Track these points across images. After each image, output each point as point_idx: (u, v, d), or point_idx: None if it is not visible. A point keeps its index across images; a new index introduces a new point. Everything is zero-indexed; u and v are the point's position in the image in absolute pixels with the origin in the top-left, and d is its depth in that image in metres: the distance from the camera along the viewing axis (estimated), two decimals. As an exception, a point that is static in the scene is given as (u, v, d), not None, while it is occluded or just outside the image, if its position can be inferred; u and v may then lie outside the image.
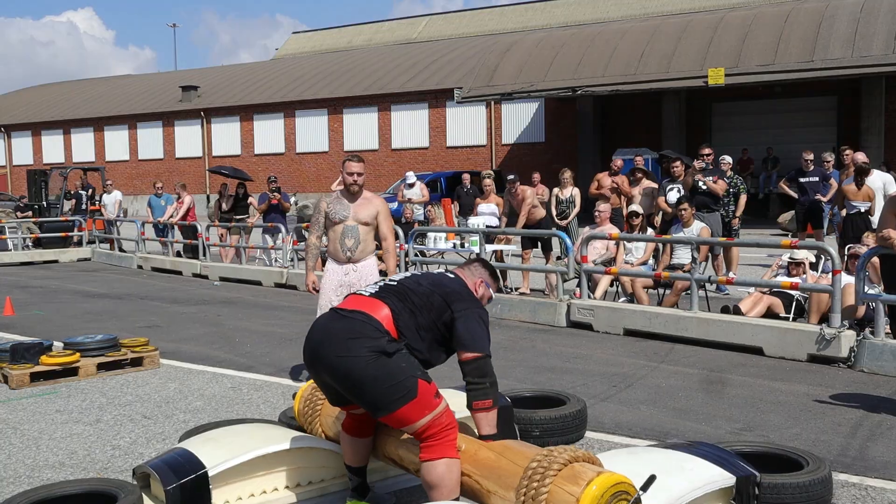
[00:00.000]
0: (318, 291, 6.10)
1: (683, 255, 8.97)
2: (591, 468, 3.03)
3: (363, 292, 3.61)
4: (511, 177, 11.49)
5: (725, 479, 3.48)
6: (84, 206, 20.96)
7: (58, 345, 7.52)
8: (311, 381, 4.27)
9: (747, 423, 5.33)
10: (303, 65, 39.45)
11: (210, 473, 3.67)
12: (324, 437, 4.12)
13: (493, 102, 28.72)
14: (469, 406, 3.44)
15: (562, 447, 3.18)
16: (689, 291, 8.13)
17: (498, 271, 3.96)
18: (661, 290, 9.27)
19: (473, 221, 11.08)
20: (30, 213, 21.67)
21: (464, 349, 3.43)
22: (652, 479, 3.05)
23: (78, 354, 6.93)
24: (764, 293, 8.15)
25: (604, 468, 3.05)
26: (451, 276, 3.74)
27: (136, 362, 7.20)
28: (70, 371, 6.84)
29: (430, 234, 10.81)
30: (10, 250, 18.97)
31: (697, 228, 9.03)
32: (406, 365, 3.33)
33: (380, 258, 6.53)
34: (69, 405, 6.06)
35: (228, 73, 42.41)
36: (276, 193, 14.49)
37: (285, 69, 39.34)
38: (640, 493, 2.99)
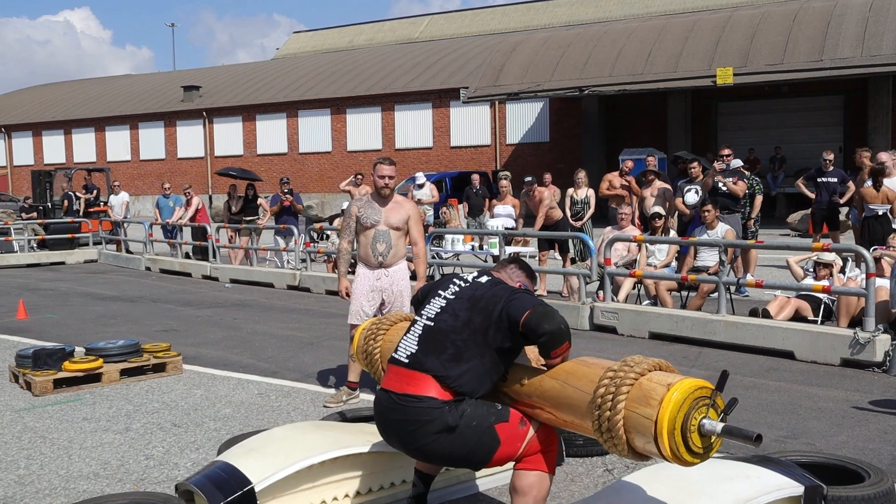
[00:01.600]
0: (350, 297, 6.01)
1: (707, 258, 8.88)
2: (659, 383, 2.88)
3: (401, 358, 3.41)
4: (528, 179, 11.40)
5: (793, 487, 3.41)
6: (76, 207, 20.85)
7: (79, 349, 7.42)
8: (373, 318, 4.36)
9: (790, 430, 5.24)
10: (305, 64, 39.33)
11: (257, 489, 3.57)
12: (381, 368, 4.05)
13: (497, 102, 28.62)
14: (547, 356, 3.29)
15: (628, 360, 3.06)
16: (714, 294, 8.04)
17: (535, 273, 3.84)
18: (683, 293, 9.18)
19: (492, 223, 10.98)
20: (34, 214, 21.58)
21: (516, 319, 3.24)
22: (725, 375, 2.93)
23: (101, 360, 6.83)
24: (789, 296, 8.06)
25: (675, 377, 2.91)
26: (486, 280, 3.54)
27: (159, 368, 7.10)
28: (93, 377, 6.74)
29: (447, 237, 10.69)
30: (16, 252, 18.87)
31: (722, 230, 8.94)
32: (477, 422, 3.23)
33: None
34: (96, 412, 5.96)
35: (230, 72, 42.28)
36: (288, 195, 14.39)
37: (287, 69, 39.21)
38: (717, 392, 2.88)
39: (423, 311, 3.51)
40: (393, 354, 3.48)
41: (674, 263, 9.44)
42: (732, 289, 9.41)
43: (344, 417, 4.83)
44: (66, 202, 20.89)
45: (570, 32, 27.32)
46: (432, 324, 3.42)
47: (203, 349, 8.27)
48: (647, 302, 9.14)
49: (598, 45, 24.36)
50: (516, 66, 24.80)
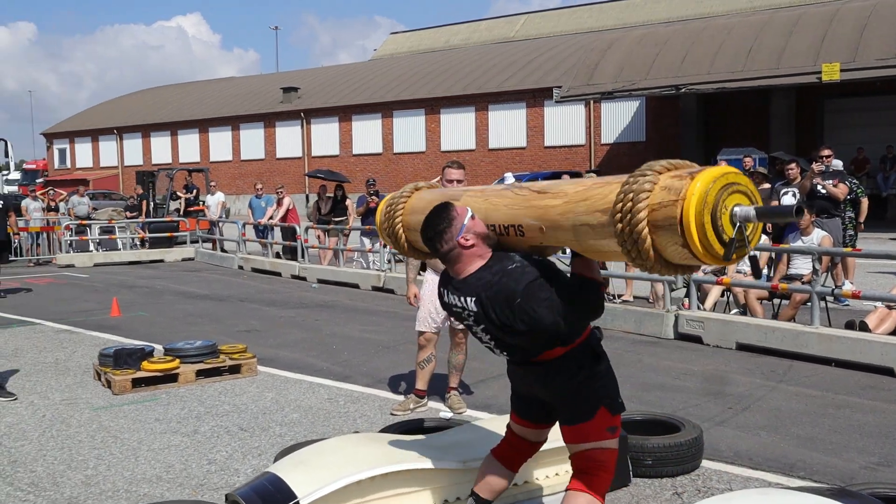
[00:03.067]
0: (419, 304, 5.90)
1: (801, 265, 8.41)
2: (679, 176, 2.59)
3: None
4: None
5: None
6: (166, 206, 21.62)
7: (159, 348, 7.56)
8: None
9: (884, 456, 4.85)
10: (400, 65, 39.62)
11: (301, 503, 3.49)
12: (405, 241, 3.74)
13: (592, 101, 28.12)
14: None
15: (643, 166, 2.70)
16: (808, 304, 7.60)
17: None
18: (775, 302, 8.72)
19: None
20: (137, 213, 22.38)
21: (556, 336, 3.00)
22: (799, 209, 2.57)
23: (178, 361, 6.94)
24: (892, 308, 7.53)
25: (697, 167, 2.62)
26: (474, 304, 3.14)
27: (235, 370, 7.16)
28: (170, 377, 6.85)
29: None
30: (120, 249, 19.60)
31: (818, 237, 8.45)
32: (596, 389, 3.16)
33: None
34: (168, 413, 6.04)
35: (328, 74, 42.99)
36: (374, 196, 14.44)
37: (383, 69, 39.59)
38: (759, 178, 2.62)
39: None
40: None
41: (766, 270, 8.98)
42: (829, 299, 8.89)
43: (402, 429, 4.73)
44: (183, 201, 21.69)
45: (668, 29, 26.60)
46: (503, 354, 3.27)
47: (281, 350, 8.32)
48: (735, 311, 8.72)
49: (696, 41, 23.61)
50: (611, 64, 24.29)
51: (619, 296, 10.81)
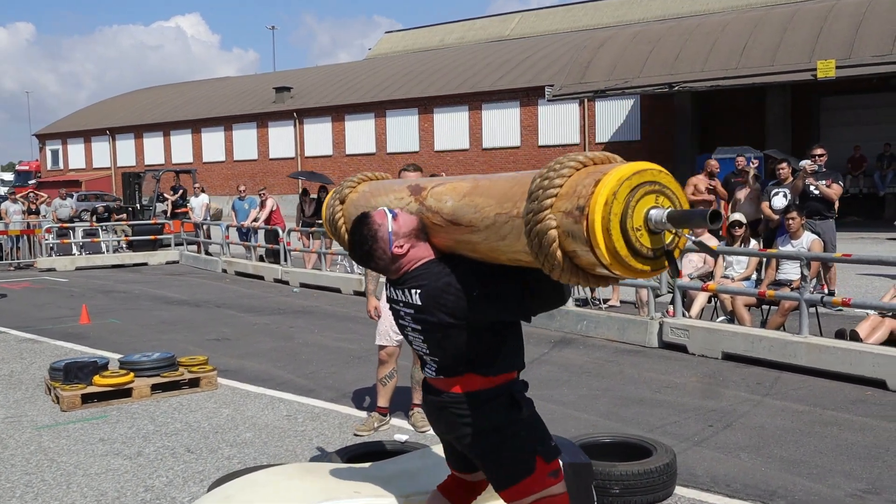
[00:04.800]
0: (379, 317, 5.55)
1: (791, 270, 8.05)
2: (592, 172, 2.21)
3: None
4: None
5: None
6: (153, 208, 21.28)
7: (119, 360, 7.20)
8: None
9: (872, 482, 4.49)
10: (394, 64, 39.26)
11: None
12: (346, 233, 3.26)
13: (586, 100, 27.75)
14: None
15: (561, 158, 2.31)
16: (797, 311, 7.24)
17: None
18: (764, 308, 8.37)
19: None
20: (124, 215, 22.04)
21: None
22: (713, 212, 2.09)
23: (132, 375, 6.59)
24: (885, 316, 7.18)
25: (614, 165, 2.22)
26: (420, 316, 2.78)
27: (194, 383, 6.81)
28: (123, 392, 6.50)
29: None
30: (103, 253, 19.25)
31: (808, 240, 8.09)
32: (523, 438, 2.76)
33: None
34: (114, 433, 5.69)
35: (321, 73, 42.63)
36: (356, 198, 14.06)
37: (377, 69, 39.22)
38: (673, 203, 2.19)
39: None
40: None
41: (755, 276, 8.63)
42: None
43: (352, 454, 4.38)
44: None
45: (662, 26, 26.26)
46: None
47: (247, 361, 7.97)
48: (721, 318, 8.37)
49: (690, 38, 23.26)
50: (604, 62, 23.93)
51: (606, 300, 10.46)
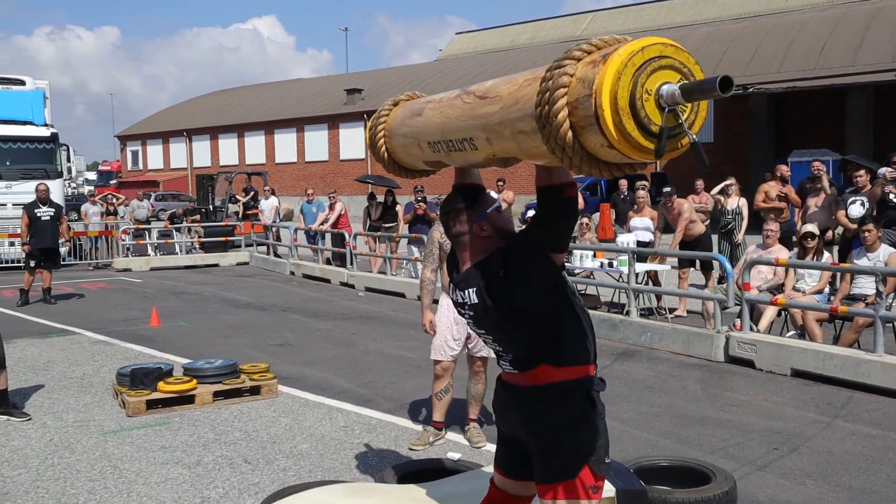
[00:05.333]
0: (435, 332, 5.52)
1: (866, 284, 7.74)
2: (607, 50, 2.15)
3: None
4: (667, 189, 10.53)
5: None
6: (225, 209, 21.70)
7: (183, 362, 7.35)
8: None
9: (945, 516, 4.28)
10: (464, 65, 39.33)
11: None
12: (387, 157, 3.30)
13: (657, 101, 27.28)
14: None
15: (556, 67, 2.23)
16: (872, 327, 6.96)
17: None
18: (837, 323, 8.07)
19: (623, 239, 10.19)
20: (197, 216, 22.56)
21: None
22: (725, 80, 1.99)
23: (195, 382, 6.71)
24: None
25: (608, 54, 2.12)
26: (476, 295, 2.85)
27: (255, 391, 6.90)
28: (186, 399, 6.62)
29: (576, 252, 10.02)
30: (177, 254, 19.73)
31: (885, 254, 7.76)
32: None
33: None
34: (175, 440, 5.79)
35: (391, 75, 42.95)
36: (421, 203, 14.11)
37: (447, 70, 39.34)
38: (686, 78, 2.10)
39: None
40: None
41: (827, 289, 8.33)
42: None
43: (404, 471, 4.38)
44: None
45: (736, 26, 25.66)
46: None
47: (308, 369, 8.04)
48: (791, 333, 8.10)
49: (765, 38, 22.69)
50: (676, 63, 23.48)
51: (672, 310, 10.25)
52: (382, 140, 3.30)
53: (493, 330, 2.82)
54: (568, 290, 2.79)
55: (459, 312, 2.94)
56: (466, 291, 2.81)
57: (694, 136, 2.17)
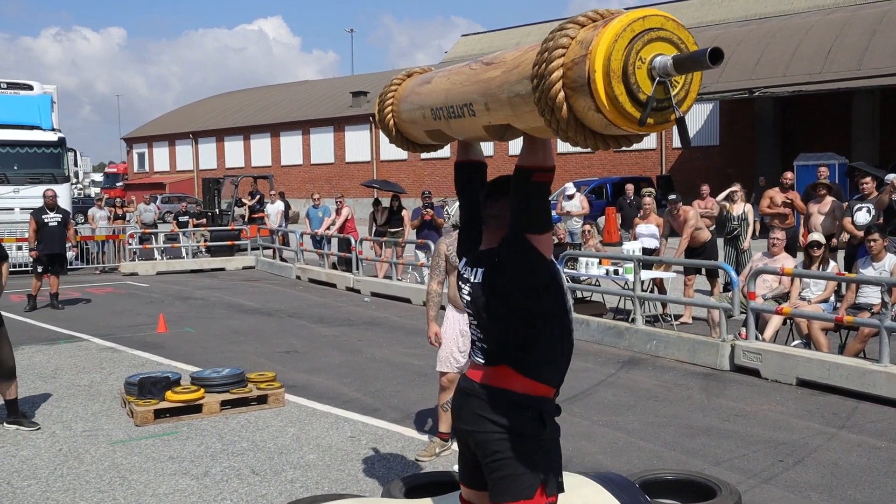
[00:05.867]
0: (440, 344, 5.55)
1: (872, 294, 7.75)
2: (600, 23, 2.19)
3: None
4: (672, 197, 10.55)
5: None
6: (231, 213, 21.80)
7: (190, 370, 7.39)
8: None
9: (950, 531, 4.29)
10: (469, 68, 39.29)
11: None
12: (393, 126, 3.32)
13: (663, 105, 27.28)
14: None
15: (558, 30, 2.27)
16: (878, 336, 6.97)
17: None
18: (843, 333, 8.08)
19: (629, 247, 10.20)
20: (204, 220, 22.63)
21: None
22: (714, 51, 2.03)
23: (202, 391, 6.75)
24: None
25: (609, 20, 2.17)
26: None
27: (262, 400, 6.93)
28: (194, 408, 6.66)
29: (581, 259, 10.03)
30: (183, 258, 19.80)
31: (891, 263, 7.76)
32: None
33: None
34: (184, 450, 5.83)
35: (397, 78, 42.97)
36: (429, 209, 14.14)
37: (452, 73, 39.33)
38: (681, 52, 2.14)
39: None
40: None
41: (833, 298, 8.34)
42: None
43: (411, 483, 4.41)
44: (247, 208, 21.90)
45: (742, 29, 25.64)
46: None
47: (315, 376, 8.08)
48: (797, 342, 8.11)
49: (771, 42, 22.67)
50: (682, 66, 23.48)
51: (678, 317, 10.27)
52: (390, 108, 3.32)
53: (481, 314, 2.85)
54: (563, 307, 2.83)
55: (459, 287, 2.99)
56: (475, 270, 2.88)
57: (681, 112, 2.20)
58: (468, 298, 2.92)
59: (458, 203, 3.34)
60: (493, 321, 2.81)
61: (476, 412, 2.80)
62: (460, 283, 2.98)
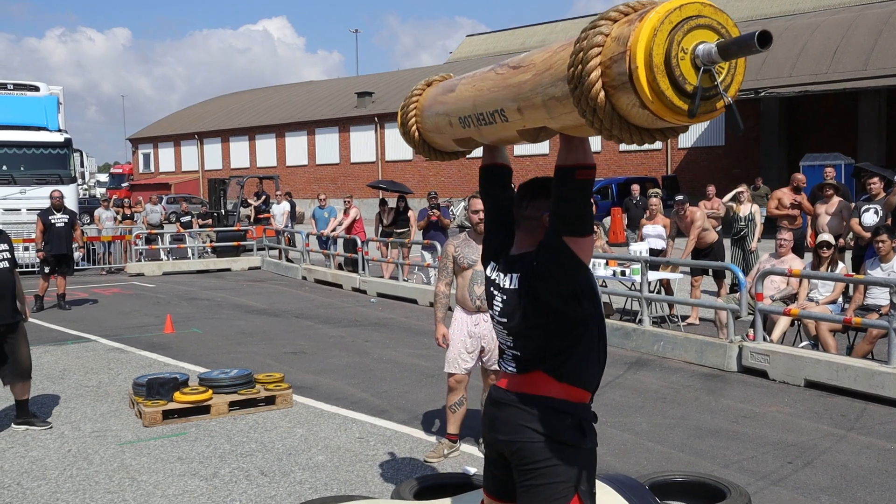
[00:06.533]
0: (448, 345, 5.55)
1: (880, 295, 7.73)
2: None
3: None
4: (679, 198, 10.53)
5: None
6: (237, 213, 21.83)
7: (199, 370, 7.41)
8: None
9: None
10: (475, 67, 39.12)
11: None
12: (418, 137, 3.29)
13: (668, 105, 27.25)
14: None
15: (591, 28, 2.21)
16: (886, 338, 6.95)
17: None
18: (851, 334, 8.07)
19: (635, 248, 10.19)
20: (210, 220, 22.66)
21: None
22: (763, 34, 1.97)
23: (210, 392, 6.76)
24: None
25: (644, 13, 2.12)
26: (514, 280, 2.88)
27: (270, 401, 6.94)
28: (202, 409, 6.67)
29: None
30: (189, 258, 19.83)
31: (899, 264, 7.75)
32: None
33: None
34: (192, 451, 5.84)
35: (402, 77, 43.01)
36: (435, 210, 14.14)
37: (458, 72, 39.25)
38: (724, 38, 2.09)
39: None
40: None
41: (841, 299, 8.32)
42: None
43: (422, 485, 4.42)
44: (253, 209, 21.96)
45: (747, 29, 25.60)
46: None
47: (322, 377, 8.09)
48: (805, 343, 8.09)
49: (777, 41, 22.61)
50: (687, 67, 23.44)
51: (685, 318, 10.26)
52: (413, 119, 3.28)
53: (515, 321, 2.79)
54: (600, 313, 2.78)
55: (489, 294, 2.92)
56: (510, 276, 2.81)
57: (729, 99, 2.15)
58: (501, 306, 2.85)
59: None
60: (529, 328, 2.75)
61: (513, 421, 2.74)
62: (493, 289, 2.90)
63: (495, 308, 2.89)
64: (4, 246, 6.56)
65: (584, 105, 2.19)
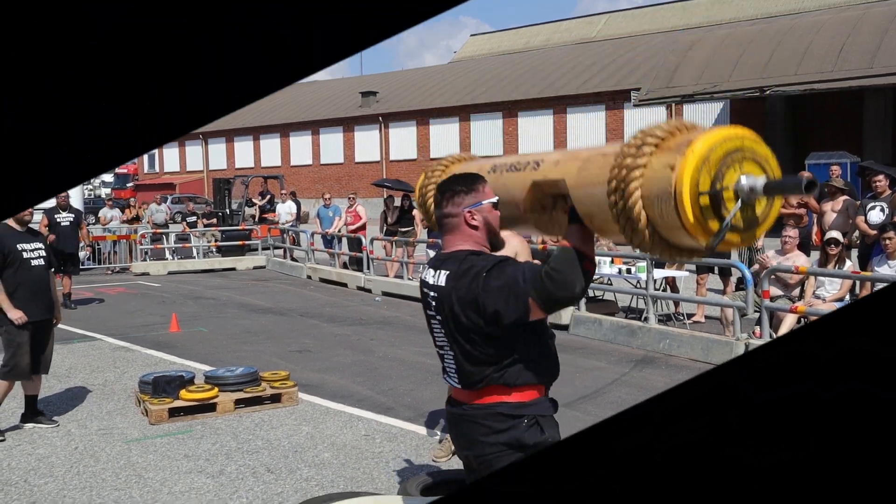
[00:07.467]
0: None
1: (887, 292, 7.70)
2: (680, 142, 2.16)
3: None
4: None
5: None
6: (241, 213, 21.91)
7: (204, 369, 7.42)
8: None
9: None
10: (479, 67, 39.30)
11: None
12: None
13: (673, 104, 27.23)
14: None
15: (644, 130, 2.27)
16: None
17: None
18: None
19: (641, 245, 10.17)
20: (214, 220, 22.69)
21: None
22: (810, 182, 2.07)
23: (216, 390, 6.77)
24: None
25: (700, 132, 2.18)
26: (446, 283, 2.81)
27: (275, 398, 6.95)
28: (208, 407, 6.68)
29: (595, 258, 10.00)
30: (194, 257, 19.84)
31: (905, 262, 7.74)
32: None
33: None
34: (199, 449, 5.85)
35: (406, 77, 43.01)
36: (438, 207, 14.12)
37: (461, 72, 39.34)
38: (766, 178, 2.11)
39: None
40: None
41: (848, 297, 8.30)
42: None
43: (422, 484, 4.42)
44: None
45: (753, 28, 25.55)
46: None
47: (328, 375, 8.09)
48: (812, 341, 8.07)
49: (782, 41, 22.57)
50: (692, 65, 23.43)
51: (690, 315, 10.24)
52: (432, 199, 3.22)
53: (447, 326, 2.76)
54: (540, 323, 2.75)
55: (423, 293, 2.90)
56: (439, 272, 2.79)
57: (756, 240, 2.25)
58: (433, 304, 2.80)
59: None
60: (459, 344, 2.72)
61: (471, 436, 2.74)
62: (423, 288, 2.88)
63: (429, 311, 2.85)
64: (39, 244, 6.57)
65: (624, 225, 2.23)
